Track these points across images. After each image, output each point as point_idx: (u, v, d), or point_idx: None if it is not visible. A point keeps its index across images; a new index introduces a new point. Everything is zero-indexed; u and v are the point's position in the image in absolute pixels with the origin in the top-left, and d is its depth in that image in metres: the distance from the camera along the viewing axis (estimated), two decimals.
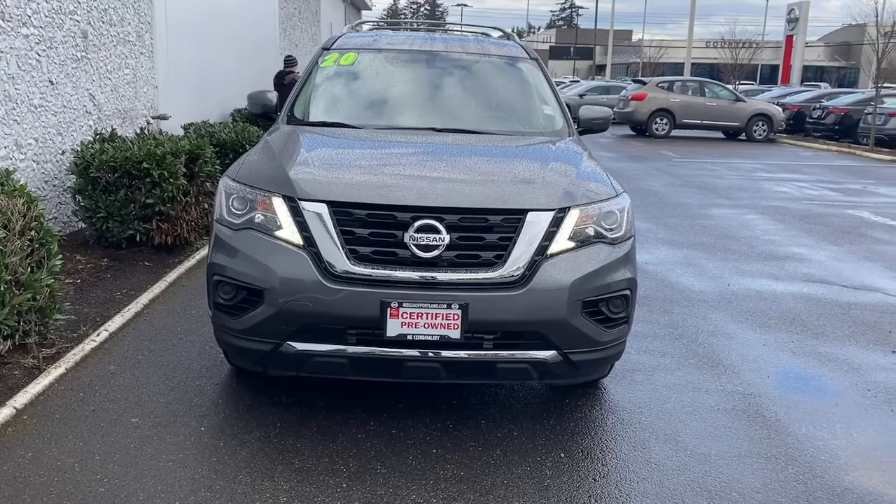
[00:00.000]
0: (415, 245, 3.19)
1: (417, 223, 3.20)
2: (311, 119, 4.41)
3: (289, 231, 3.28)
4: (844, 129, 22.05)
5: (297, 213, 3.28)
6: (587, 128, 4.79)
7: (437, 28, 6.84)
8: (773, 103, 24.35)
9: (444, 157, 3.78)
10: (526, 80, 4.85)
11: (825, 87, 38.59)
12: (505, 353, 3.27)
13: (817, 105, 23.92)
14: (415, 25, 24.43)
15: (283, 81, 11.94)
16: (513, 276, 3.21)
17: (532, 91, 4.77)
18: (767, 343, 4.96)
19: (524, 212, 3.29)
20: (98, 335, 4.44)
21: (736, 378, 4.34)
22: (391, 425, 3.58)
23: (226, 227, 3.44)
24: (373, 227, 3.25)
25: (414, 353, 3.22)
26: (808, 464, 3.39)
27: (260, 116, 4.80)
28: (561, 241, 3.31)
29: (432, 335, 3.19)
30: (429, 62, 4.84)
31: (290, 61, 12.64)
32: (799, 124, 24.48)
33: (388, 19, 77.29)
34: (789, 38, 46.35)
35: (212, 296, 3.44)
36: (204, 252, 6.50)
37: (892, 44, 21.45)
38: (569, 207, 3.35)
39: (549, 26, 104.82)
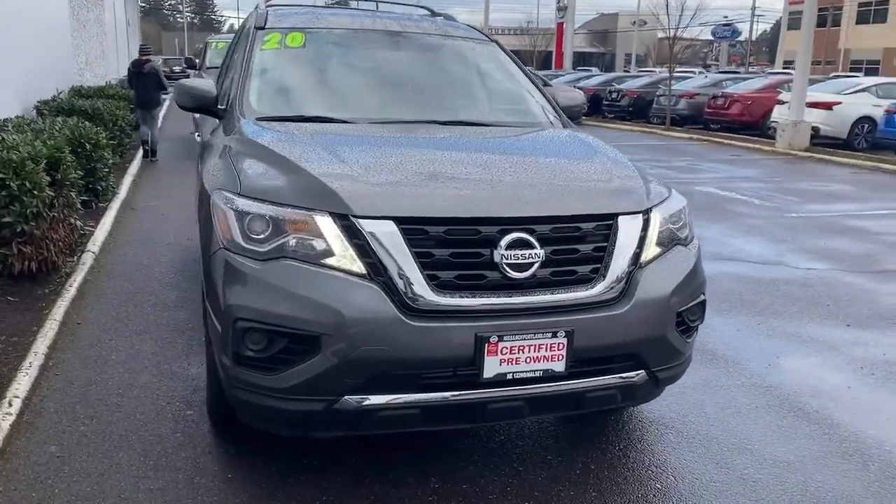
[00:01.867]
0: (507, 264, 2.64)
1: (507, 238, 2.64)
2: (285, 113, 3.61)
3: (345, 258, 2.58)
4: (638, 111, 23.68)
5: (354, 235, 2.59)
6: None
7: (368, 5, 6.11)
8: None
9: (491, 158, 3.21)
10: (501, 64, 4.36)
11: (597, 71, 41.38)
12: (599, 379, 2.82)
13: (612, 88, 25.48)
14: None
15: (143, 70, 11.66)
16: (614, 291, 2.77)
17: (511, 76, 4.30)
18: (740, 328, 4.93)
19: (614, 216, 2.84)
20: (9, 405, 3.35)
21: (743, 370, 4.22)
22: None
23: (244, 257, 2.65)
24: (454, 246, 2.64)
25: (503, 392, 2.67)
26: (884, 459, 3.30)
27: (192, 110, 3.90)
28: (651, 248, 2.91)
29: (535, 371, 2.66)
30: (393, 44, 4.20)
31: (145, 49, 12.42)
32: (595, 107, 25.93)
33: None
34: (560, 26, 49.43)
35: (232, 347, 2.64)
36: (81, 277, 5.32)
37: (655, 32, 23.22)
38: (651, 208, 2.95)
39: None
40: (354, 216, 2.60)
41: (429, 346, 2.57)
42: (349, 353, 2.52)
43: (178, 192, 9.02)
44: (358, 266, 2.57)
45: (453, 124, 3.69)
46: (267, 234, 2.66)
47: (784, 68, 48.35)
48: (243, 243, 2.68)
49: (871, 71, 44.62)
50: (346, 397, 2.60)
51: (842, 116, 16.84)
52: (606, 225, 2.82)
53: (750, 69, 50.15)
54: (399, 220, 2.60)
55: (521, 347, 2.62)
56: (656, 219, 2.94)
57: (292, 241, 2.62)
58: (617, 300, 2.77)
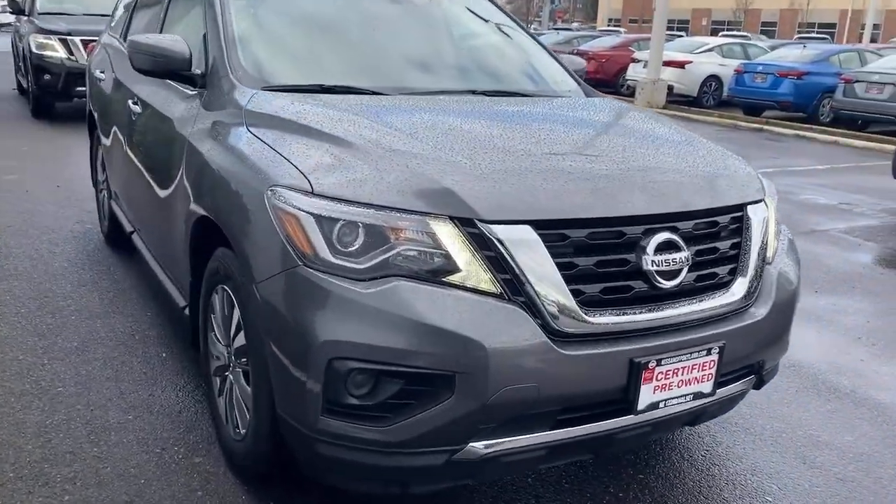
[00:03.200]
0: (657, 271, 2.20)
1: (655, 239, 2.21)
2: (297, 81, 2.90)
3: (474, 273, 2.03)
4: None
5: (483, 245, 2.04)
6: None
7: None
8: None
9: (587, 139, 2.70)
10: (510, 24, 3.84)
11: None
12: (725, 391, 2.48)
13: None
14: None
15: None
16: (752, 293, 2.42)
17: (526, 38, 3.80)
18: None
19: (743, 206, 2.48)
20: None
21: None
22: None
23: (337, 277, 2.03)
24: (597, 252, 2.17)
25: (636, 420, 2.26)
26: None
27: (156, 75, 3.08)
28: (772, 239, 2.58)
29: (686, 396, 2.28)
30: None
31: None
32: None
33: None
34: None
35: (325, 393, 2.04)
36: None
37: None
38: (765, 195, 2.62)
39: None
40: (483, 221, 2.05)
41: (579, 377, 2.10)
42: (491, 395, 2.00)
43: (33, 162, 7.69)
44: (492, 284, 2.03)
45: (491, 94, 3.16)
46: (362, 245, 2.06)
47: (609, 26, 50.56)
48: (332, 258, 2.05)
49: (682, 30, 47.70)
50: (470, 444, 2.08)
51: (692, 75, 17.64)
52: (738, 217, 2.46)
53: (573, 26, 51.97)
54: (536, 225, 2.08)
55: (675, 371, 2.22)
56: (771, 206, 2.62)
57: (402, 255, 2.04)
58: (755, 303, 2.43)
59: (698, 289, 2.31)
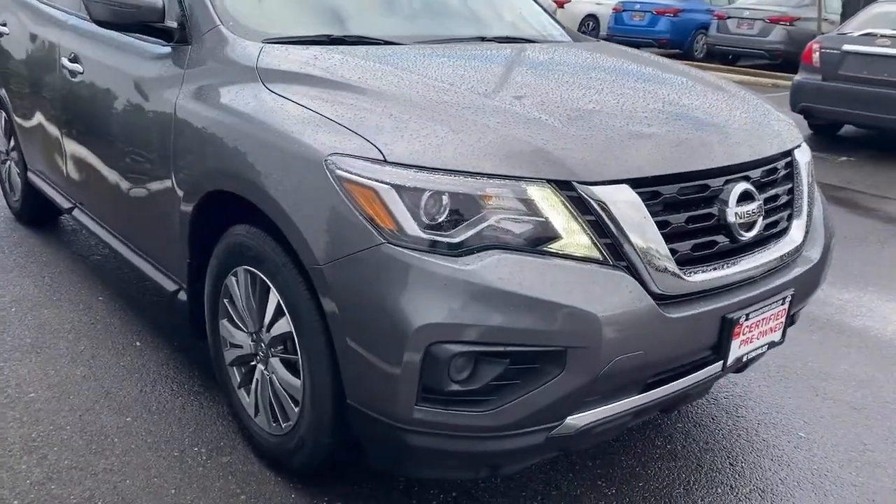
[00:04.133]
0: (739, 223, 2.14)
1: (735, 190, 2.13)
2: (299, 32, 2.57)
3: (574, 239, 1.89)
4: None
5: (583, 208, 1.89)
6: None
7: None
8: None
9: (638, 87, 2.52)
10: None
11: None
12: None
13: None
14: None
15: None
16: (806, 237, 2.41)
17: None
18: None
19: (792, 151, 2.46)
20: None
21: None
22: None
23: (428, 254, 1.83)
24: (686, 208, 2.07)
25: (703, 375, 2.23)
26: None
27: (121, 28, 2.66)
28: (813, 181, 2.58)
29: (762, 347, 2.27)
30: None
31: None
32: None
33: None
34: None
35: (421, 380, 1.85)
36: None
37: None
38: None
39: None
40: (581, 183, 1.90)
41: (680, 339, 2.03)
42: (602, 367, 1.89)
43: None
44: (594, 249, 1.90)
45: (498, 41, 2.96)
46: (451, 217, 1.86)
47: None
48: (421, 233, 1.84)
49: None
50: (568, 420, 1.97)
51: (570, 14, 17.81)
52: (789, 162, 2.43)
53: None
54: (633, 183, 1.96)
55: (758, 323, 2.19)
56: (806, 149, 2.61)
57: (497, 225, 1.86)
58: (807, 247, 2.43)
59: (766, 238, 2.27)
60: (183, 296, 2.73)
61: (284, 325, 2.21)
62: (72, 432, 2.60)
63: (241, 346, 2.47)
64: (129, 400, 2.80)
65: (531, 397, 1.88)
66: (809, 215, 2.44)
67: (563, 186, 1.89)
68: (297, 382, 2.22)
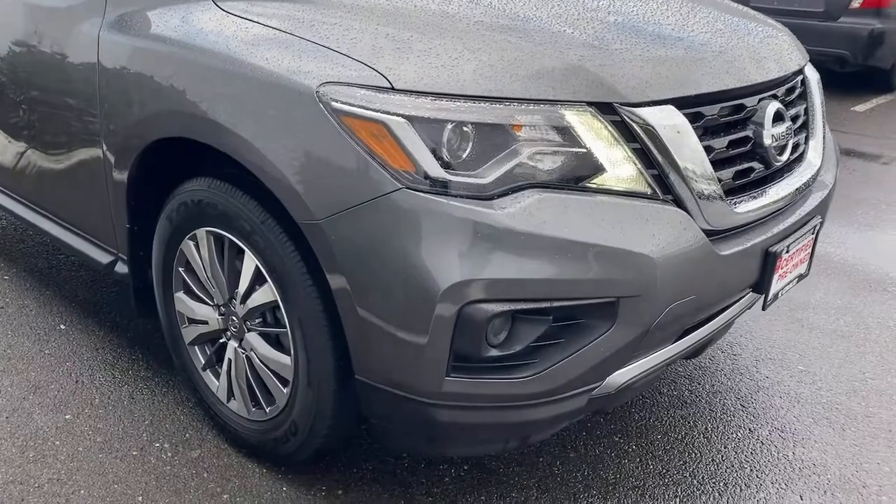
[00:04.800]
0: (774, 146, 1.94)
1: (769, 109, 1.93)
2: None
3: (619, 171, 1.63)
4: None
5: (626, 135, 1.63)
6: None
7: None
8: None
9: (650, 4, 2.25)
10: None
11: None
12: None
13: None
14: None
15: None
16: (822, 161, 2.24)
17: None
18: None
19: (803, 70, 2.27)
20: None
21: None
22: None
23: (453, 198, 1.53)
24: (726, 131, 1.85)
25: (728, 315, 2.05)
26: None
27: None
28: (823, 102, 2.41)
29: (794, 279, 2.10)
30: None
31: None
32: None
33: None
34: None
35: (453, 347, 1.57)
36: None
37: None
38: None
39: None
40: (625, 104, 1.63)
41: (729, 279, 1.83)
42: (656, 317, 1.66)
43: None
44: (642, 182, 1.65)
45: None
46: (477, 152, 1.56)
47: None
48: (445, 174, 1.54)
49: None
50: (608, 379, 1.75)
51: None
52: (802, 80, 2.24)
53: None
54: (678, 104, 1.71)
55: (793, 255, 2.01)
56: (812, 67, 2.43)
57: (532, 159, 1.57)
58: (823, 170, 2.26)
59: (794, 161, 2.08)
60: (122, 267, 2.31)
61: (266, 294, 1.87)
62: (1, 437, 2.17)
63: (205, 322, 2.11)
64: (64, 394, 2.38)
65: (577, 358, 1.63)
66: (824, 137, 2.27)
67: (603, 110, 1.62)
68: (286, 360, 1.89)
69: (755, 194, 1.89)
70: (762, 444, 2.30)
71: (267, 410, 2.01)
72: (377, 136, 1.56)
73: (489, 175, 1.55)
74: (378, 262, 1.58)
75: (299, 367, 1.85)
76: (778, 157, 1.95)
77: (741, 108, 1.87)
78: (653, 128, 1.63)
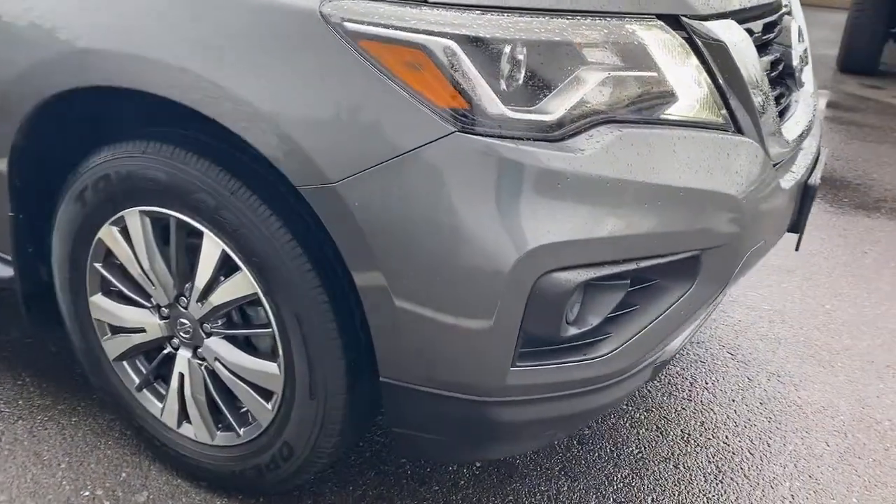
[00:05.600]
0: (797, 67, 1.75)
1: (793, 27, 1.74)
2: None
3: (694, 99, 1.35)
4: None
5: (698, 55, 1.35)
6: None
7: None
8: None
9: None
10: None
11: None
12: None
13: None
14: None
15: None
16: (814, 88, 2.10)
17: None
18: None
19: None
20: None
21: None
22: None
23: (516, 142, 1.19)
24: (766, 50, 1.63)
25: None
26: None
27: None
28: None
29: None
30: None
31: None
32: None
33: None
34: None
35: (526, 330, 1.25)
36: None
37: None
38: None
39: None
40: (693, 17, 1.35)
41: (784, 218, 1.63)
42: (735, 269, 1.42)
43: None
44: (715, 111, 1.38)
45: None
46: (536, 82, 1.22)
47: None
48: (507, 111, 1.19)
49: None
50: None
51: None
52: None
53: None
54: (737, 18, 1.46)
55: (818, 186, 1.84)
56: None
57: (601, 86, 1.26)
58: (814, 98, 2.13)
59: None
60: (4, 270, 1.76)
61: (239, 287, 1.44)
62: None
63: (139, 330, 1.63)
64: None
65: (657, 326, 1.36)
66: (805, 58, 2.13)
67: (675, 24, 1.33)
68: (271, 367, 1.48)
69: (787, 122, 1.69)
70: (766, 392, 2.17)
71: (240, 433, 1.58)
72: (413, 66, 1.18)
73: (555, 110, 1.22)
74: (422, 232, 1.22)
75: (295, 376, 1.45)
76: (802, 80, 1.76)
77: (774, 24, 1.66)
78: (724, 44, 1.37)
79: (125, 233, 1.54)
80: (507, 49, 1.18)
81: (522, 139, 1.19)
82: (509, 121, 1.19)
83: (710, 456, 1.91)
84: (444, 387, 1.33)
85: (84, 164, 1.53)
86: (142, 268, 1.55)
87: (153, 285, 1.55)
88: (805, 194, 1.70)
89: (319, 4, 1.19)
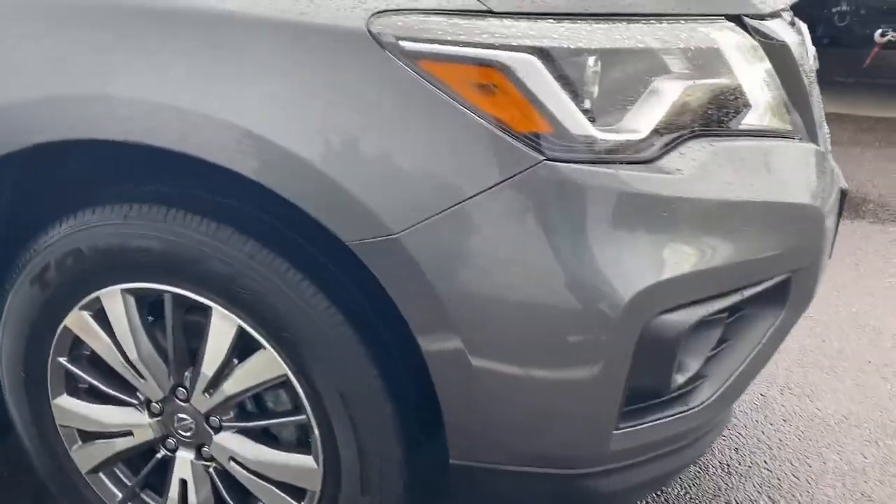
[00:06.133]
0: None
1: (804, 27, 1.66)
2: None
3: (766, 105, 1.21)
4: None
5: (761, 57, 1.23)
6: None
7: None
8: None
9: None
10: None
11: None
12: None
13: None
14: None
15: None
16: None
17: None
18: None
19: None
20: None
21: None
22: None
23: (614, 166, 1.02)
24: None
25: None
26: None
27: None
28: None
29: None
30: None
31: None
32: None
33: None
34: None
35: (633, 384, 1.08)
36: None
37: None
38: None
39: None
40: (755, 17, 1.23)
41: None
42: (815, 289, 1.31)
43: None
44: (783, 116, 1.26)
45: None
46: (612, 95, 1.06)
47: None
48: (598, 132, 1.02)
49: None
50: None
51: None
52: None
53: None
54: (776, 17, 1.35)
55: None
56: None
57: (684, 97, 1.10)
58: None
59: None
60: None
61: (262, 369, 1.19)
62: None
63: (125, 434, 1.33)
64: None
65: (751, 363, 1.22)
66: None
67: (742, 24, 1.20)
68: (306, 460, 1.23)
69: None
70: (785, 407, 2.08)
71: None
72: (485, 87, 0.98)
73: (641, 126, 1.05)
74: (507, 280, 1.02)
75: (340, 469, 1.20)
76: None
77: (794, 23, 1.57)
78: (787, 45, 1.25)
79: (101, 317, 1.25)
80: (591, 60, 1.01)
81: (614, 163, 1.02)
82: (598, 143, 1.02)
83: (757, 486, 1.78)
84: (533, 462, 1.13)
85: (41, 239, 1.23)
86: (125, 358, 1.26)
87: (141, 378, 1.27)
88: (841, 195, 1.61)
89: (367, 23, 0.98)
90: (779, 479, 1.80)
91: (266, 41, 1.00)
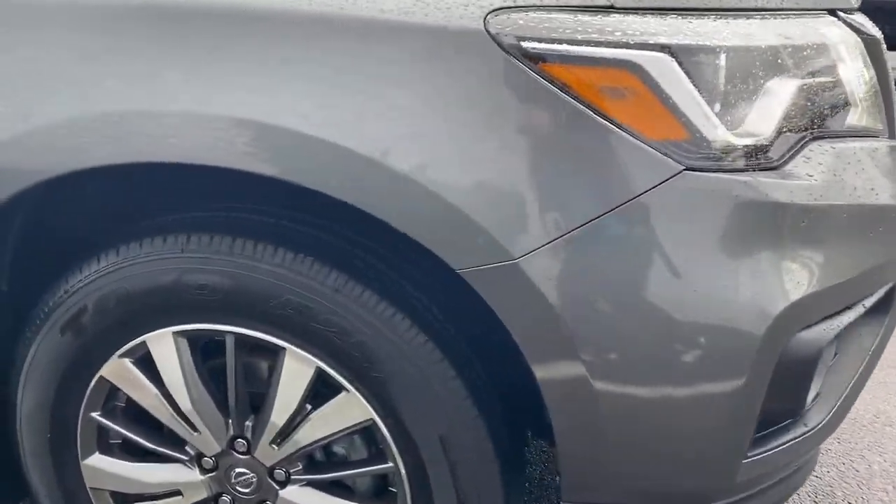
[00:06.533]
0: None
1: None
2: None
3: (867, 102, 1.15)
4: None
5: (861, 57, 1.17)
6: None
7: None
8: None
9: None
10: None
11: None
12: None
13: None
14: None
15: None
16: None
17: None
18: None
19: None
20: None
21: None
22: None
23: (748, 174, 0.93)
24: None
25: None
26: None
27: None
28: None
29: None
30: None
31: None
32: None
33: None
34: None
35: (773, 401, 0.99)
36: None
37: None
38: None
39: None
40: (848, 10, 1.17)
41: None
42: None
43: None
44: (877, 115, 1.20)
45: None
46: (734, 96, 0.97)
47: None
48: (732, 137, 0.93)
49: None
50: None
51: None
52: None
53: None
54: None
55: None
56: None
57: (800, 96, 1.03)
58: None
59: None
60: None
61: (344, 415, 1.06)
62: None
63: (172, 494, 1.17)
64: None
65: (861, 375, 1.15)
66: None
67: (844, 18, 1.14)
68: None
69: None
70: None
71: None
72: (616, 90, 0.88)
73: (763, 129, 0.97)
74: (640, 301, 0.91)
75: None
76: None
77: None
78: (879, 40, 1.20)
79: (144, 364, 1.10)
80: (722, 60, 0.92)
81: (748, 170, 0.94)
82: (731, 148, 0.93)
83: (812, 496, 1.73)
84: (655, 499, 1.03)
85: (73, 278, 1.07)
86: (176, 409, 1.11)
87: (194, 431, 1.12)
88: None
89: (483, 22, 0.86)
90: (831, 487, 1.76)
91: (365, 39, 0.88)
